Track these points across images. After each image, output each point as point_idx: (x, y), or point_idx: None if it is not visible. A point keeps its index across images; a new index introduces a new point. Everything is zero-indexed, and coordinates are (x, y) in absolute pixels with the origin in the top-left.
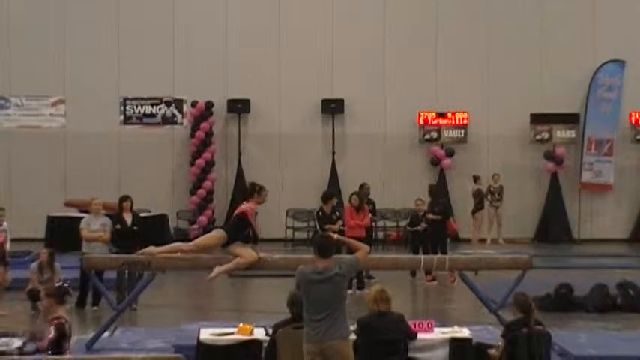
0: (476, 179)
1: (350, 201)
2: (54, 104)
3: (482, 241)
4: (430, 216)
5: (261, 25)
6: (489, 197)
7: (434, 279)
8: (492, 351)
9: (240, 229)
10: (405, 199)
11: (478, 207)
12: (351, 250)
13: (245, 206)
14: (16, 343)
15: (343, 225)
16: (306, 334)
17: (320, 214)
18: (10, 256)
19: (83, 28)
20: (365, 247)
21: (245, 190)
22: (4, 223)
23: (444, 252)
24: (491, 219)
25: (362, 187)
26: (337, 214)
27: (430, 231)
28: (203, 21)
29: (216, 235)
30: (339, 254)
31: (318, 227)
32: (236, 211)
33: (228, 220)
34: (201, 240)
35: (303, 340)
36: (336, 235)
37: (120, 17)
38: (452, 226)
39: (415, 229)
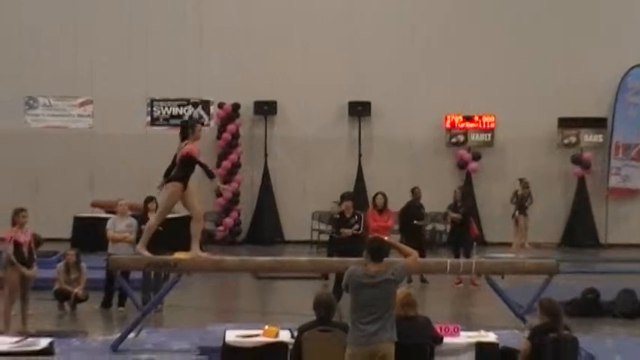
0: (522, 182)
1: (374, 202)
2: (81, 105)
3: (509, 244)
4: (452, 215)
5: (287, 27)
6: (515, 202)
7: (460, 282)
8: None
9: (189, 171)
10: (431, 203)
11: (521, 211)
12: (403, 255)
13: (187, 147)
14: (43, 343)
15: (358, 229)
16: (352, 337)
17: (337, 216)
18: (37, 256)
19: (111, 29)
20: (415, 252)
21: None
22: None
23: (468, 255)
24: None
25: (413, 190)
26: (356, 217)
27: (454, 233)
28: (230, 23)
29: (172, 190)
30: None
31: (332, 230)
32: (180, 154)
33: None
34: (163, 205)
35: (348, 344)
36: (386, 238)
37: (147, 19)
38: (473, 230)
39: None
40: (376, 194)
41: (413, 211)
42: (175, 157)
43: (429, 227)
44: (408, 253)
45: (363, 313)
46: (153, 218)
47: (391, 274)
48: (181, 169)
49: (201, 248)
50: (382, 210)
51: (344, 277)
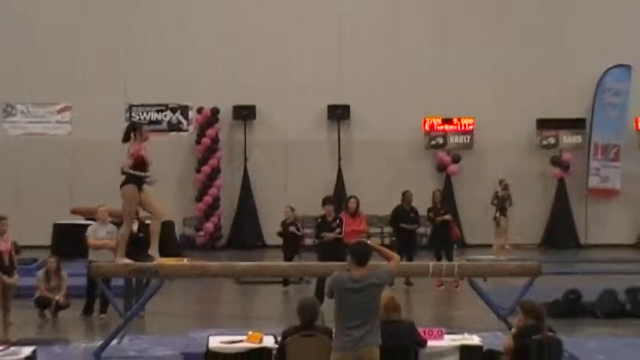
0: (502, 184)
1: (347, 206)
2: (60, 111)
3: (489, 246)
4: (445, 217)
5: (265, 32)
6: (496, 203)
7: (441, 284)
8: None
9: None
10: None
11: (501, 212)
12: (385, 259)
13: (134, 149)
14: (25, 352)
15: (341, 233)
16: (338, 342)
17: (319, 220)
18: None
19: (90, 35)
20: (396, 256)
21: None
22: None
23: (450, 257)
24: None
25: (404, 194)
26: (337, 221)
27: (435, 235)
28: (209, 28)
29: (129, 192)
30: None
31: (315, 234)
32: (130, 156)
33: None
34: (125, 211)
35: (333, 349)
36: (369, 242)
37: (127, 24)
38: (455, 232)
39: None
40: (349, 198)
41: (401, 214)
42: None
43: None
44: (391, 256)
45: (349, 318)
46: (123, 227)
47: (376, 278)
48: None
49: (180, 254)
50: (354, 214)
51: (327, 283)
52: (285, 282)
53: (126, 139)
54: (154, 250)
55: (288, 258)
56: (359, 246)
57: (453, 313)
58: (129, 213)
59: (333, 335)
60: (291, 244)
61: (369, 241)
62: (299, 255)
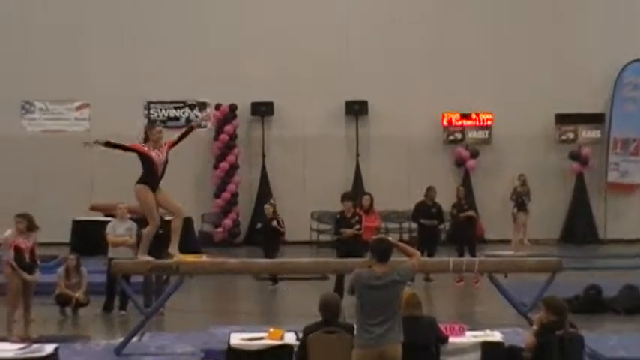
0: (521, 179)
1: (361, 203)
2: (78, 108)
3: (508, 242)
4: (469, 213)
5: (283, 28)
6: (514, 199)
7: (461, 280)
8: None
9: (147, 169)
10: None
11: (520, 208)
12: (406, 255)
13: (142, 146)
14: (48, 349)
15: (360, 229)
16: (360, 339)
17: (338, 217)
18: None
19: (106, 31)
20: (417, 252)
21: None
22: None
23: (473, 253)
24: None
25: (428, 190)
26: (357, 217)
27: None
28: (227, 24)
29: (137, 193)
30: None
31: (334, 231)
32: (132, 146)
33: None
34: (143, 210)
35: (355, 346)
36: (390, 238)
37: (144, 21)
38: (480, 228)
39: None
40: (362, 195)
41: (423, 210)
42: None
43: None
44: (411, 253)
45: (371, 314)
46: (149, 226)
47: (397, 275)
48: (143, 171)
49: (199, 250)
50: (368, 211)
51: (350, 280)
52: (274, 279)
53: (145, 139)
54: (173, 247)
55: (269, 254)
56: (380, 243)
57: (473, 309)
58: (148, 211)
59: (354, 332)
60: (273, 240)
61: (389, 238)
62: (279, 251)
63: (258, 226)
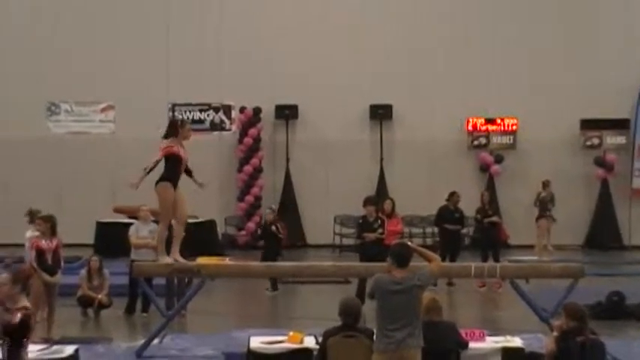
0: (545, 185)
1: (383, 207)
2: (103, 110)
3: (532, 247)
4: (493, 218)
5: (308, 31)
6: (538, 205)
7: (483, 285)
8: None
9: (175, 169)
10: None
11: (542, 213)
12: (426, 260)
13: (167, 145)
14: (68, 350)
15: (382, 233)
16: (380, 344)
17: (361, 221)
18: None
19: (132, 34)
20: (437, 257)
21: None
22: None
23: (497, 258)
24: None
25: (452, 195)
26: (379, 221)
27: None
28: (251, 27)
29: (162, 190)
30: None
31: (356, 235)
32: (164, 153)
33: None
34: (162, 209)
35: (375, 351)
36: (410, 243)
37: (169, 23)
38: (504, 233)
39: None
40: (385, 200)
41: (446, 214)
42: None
43: None
44: (431, 258)
45: (391, 319)
46: (160, 226)
47: (417, 280)
48: (166, 169)
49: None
50: (390, 215)
51: (370, 285)
52: (274, 286)
53: (167, 135)
54: (174, 253)
55: (268, 259)
56: (400, 248)
57: (495, 314)
58: (166, 210)
59: (374, 337)
60: (272, 246)
61: (409, 243)
62: (280, 256)
63: (258, 231)
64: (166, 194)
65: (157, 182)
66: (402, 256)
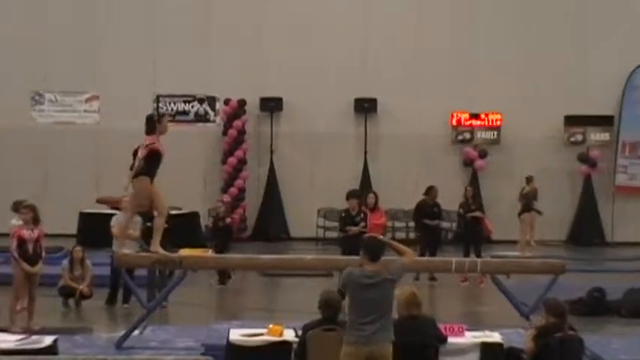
0: (529, 180)
1: (366, 201)
2: (87, 100)
3: (515, 242)
4: (476, 213)
5: (293, 24)
6: (521, 200)
7: (465, 280)
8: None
9: (155, 166)
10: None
11: (525, 208)
12: (399, 254)
13: (152, 144)
14: (46, 341)
15: (365, 226)
16: (351, 337)
17: (343, 214)
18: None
19: (117, 24)
20: (410, 251)
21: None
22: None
23: (479, 253)
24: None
25: (430, 189)
26: (362, 215)
27: (468, 231)
28: (237, 19)
29: (141, 184)
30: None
31: (339, 228)
32: (147, 150)
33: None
34: (137, 199)
35: (345, 344)
36: (383, 237)
37: (154, 14)
38: (487, 228)
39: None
40: (368, 193)
41: (424, 209)
42: (135, 152)
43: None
44: (404, 251)
45: (363, 313)
46: (125, 214)
47: (389, 274)
48: (147, 164)
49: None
50: (373, 209)
51: (341, 278)
52: (222, 279)
53: (149, 130)
54: (155, 245)
55: (218, 251)
56: (372, 242)
57: (476, 310)
58: (137, 202)
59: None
60: (223, 238)
61: (382, 237)
62: (230, 248)
63: (208, 224)
64: (144, 188)
65: (136, 175)
66: (374, 250)
